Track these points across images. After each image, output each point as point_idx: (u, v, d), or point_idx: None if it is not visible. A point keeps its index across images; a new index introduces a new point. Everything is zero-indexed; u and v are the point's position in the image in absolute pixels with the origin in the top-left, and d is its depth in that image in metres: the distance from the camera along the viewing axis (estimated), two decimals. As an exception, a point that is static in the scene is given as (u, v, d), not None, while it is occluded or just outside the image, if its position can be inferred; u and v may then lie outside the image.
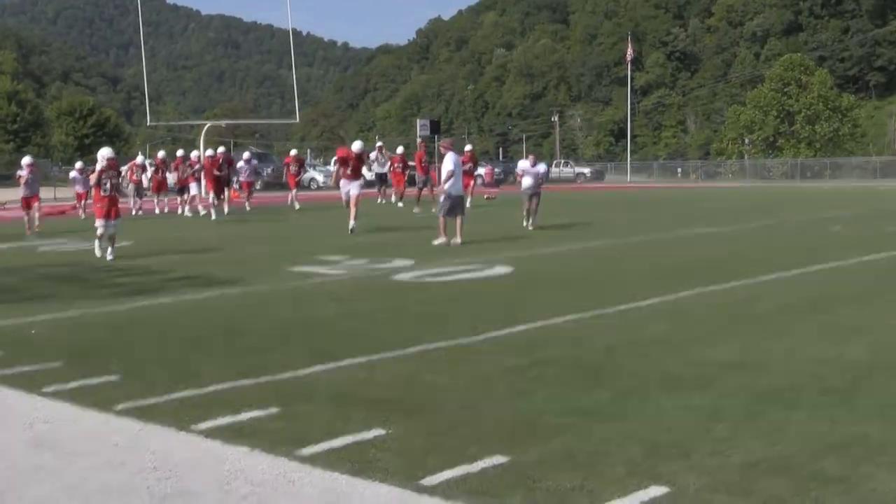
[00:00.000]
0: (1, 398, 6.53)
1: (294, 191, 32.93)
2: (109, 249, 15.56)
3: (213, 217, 25.92)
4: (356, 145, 20.92)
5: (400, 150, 34.23)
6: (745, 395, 6.11)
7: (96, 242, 16.02)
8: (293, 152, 37.00)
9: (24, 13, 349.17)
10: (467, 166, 25.00)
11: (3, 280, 13.67)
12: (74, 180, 28.71)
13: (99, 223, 15.79)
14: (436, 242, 16.99)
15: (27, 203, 22.83)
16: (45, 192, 30.74)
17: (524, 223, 20.47)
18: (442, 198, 17.58)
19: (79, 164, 30.23)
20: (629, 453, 4.96)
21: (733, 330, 8.43)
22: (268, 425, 5.64)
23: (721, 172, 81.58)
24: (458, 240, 16.97)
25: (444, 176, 17.40)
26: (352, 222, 19.58)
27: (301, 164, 36.00)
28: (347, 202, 20.03)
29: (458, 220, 17.29)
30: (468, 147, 30.17)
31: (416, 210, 27.39)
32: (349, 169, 20.21)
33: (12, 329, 9.27)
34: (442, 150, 18.85)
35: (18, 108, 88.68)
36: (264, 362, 7.40)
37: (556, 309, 9.68)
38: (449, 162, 17.36)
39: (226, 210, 28.00)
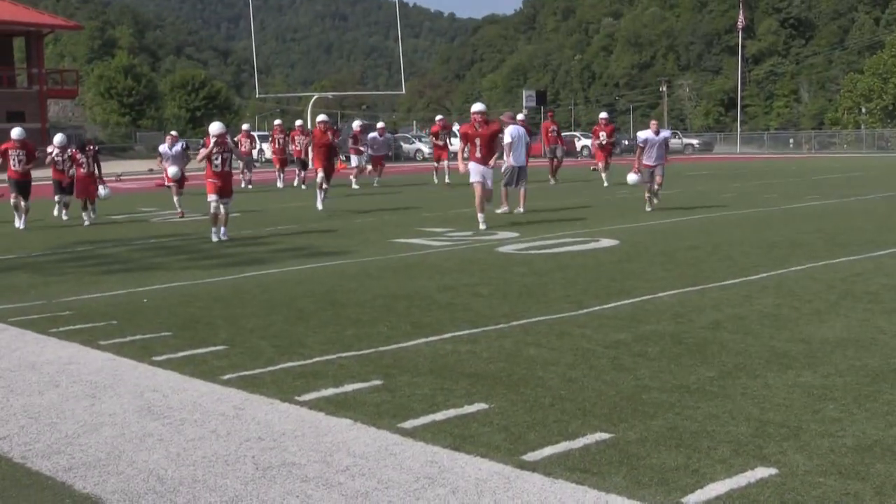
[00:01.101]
0: (114, 366, 6.71)
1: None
2: (223, 230, 14.56)
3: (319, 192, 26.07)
4: (477, 106, 16.24)
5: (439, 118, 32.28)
6: (856, 375, 5.92)
7: (212, 231, 14.66)
8: (298, 123, 31.83)
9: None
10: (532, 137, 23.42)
11: (117, 251, 14.06)
12: (164, 155, 20.72)
13: (211, 198, 14.48)
14: (498, 211, 17.67)
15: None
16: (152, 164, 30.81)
17: (647, 207, 17.80)
18: (504, 167, 17.97)
19: (171, 135, 22.01)
20: (735, 432, 4.85)
21: (844, 306, 8.17)
22: (370, 398, 5.68)
23: (836, 143, 79.22)
24: (521, 209, 17.91)
25: (504, 148, 17.46)
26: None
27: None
28: (487, 194, 15.77)
29: (522, 190, 18.07)
30: (520, 116, 26.70)
31: (551, 182, 27.49)
32: (480, 149, 15.70)
33: (126, 299, 9.54)
34: (505, 121, 19.23)
35: (134, 81, 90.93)
36: (367, 334, 7.46)
37: (661, 283, 9.54)
38: (507, 135, 17.68)
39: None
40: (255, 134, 40.81)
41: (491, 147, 15.63)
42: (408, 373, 6.23)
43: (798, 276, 9.83)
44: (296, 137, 28.22)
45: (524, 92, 72.38)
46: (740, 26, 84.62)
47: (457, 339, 7.19)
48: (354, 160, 29.13)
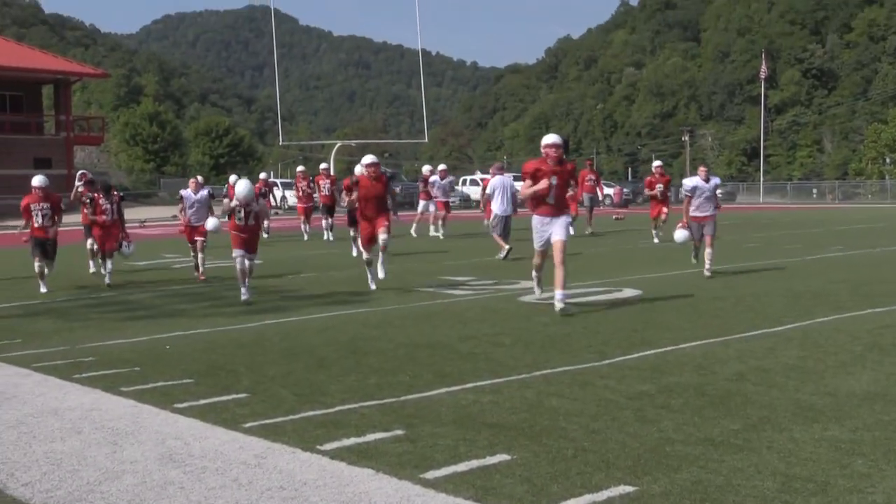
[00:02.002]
0: (135, 413, 6.71)
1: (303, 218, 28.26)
2: (244, 289, 13.09)
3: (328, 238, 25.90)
4: (552, 138, 11.84)
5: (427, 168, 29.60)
6: (885, 429, 5.84)
7: (239, 275, 13.22)
8: (300, 168, 30.59)
9: (167, 38, 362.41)
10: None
11: (140, 297, 14.12)
12: (187, 200, 17.08)
13: (237, 253, 13.17)
14: (499, 256, 18.60)
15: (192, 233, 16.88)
16: (175, 210, 29.97)
17: (693, 258, 15.86)
18: (491, 217, 19.53)
19: (195, 180, 18.00)
20: (761, 487, 4.79)
21: (871, 359, 8.09)
22: (392, 447, 5.65)
23: (860, 193, 79.00)
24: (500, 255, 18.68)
25: (491, 198, 19.42)
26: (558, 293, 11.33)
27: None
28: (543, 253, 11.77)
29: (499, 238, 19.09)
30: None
31: (587, 231, 26.38)
32: (554, 196, 11.48)
33: (148, 345, 9.56)
34: (492, 172, 20.79)
35: (159, 128, 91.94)
36: (389, 383, 7.44)
37: (684, 334, 9.48)
38: (490, 186, 19.41)
39: (330, 235, 26.23)
40: (273, 181, 40.56)
41: (564, 191, 11.73)
42: (430, 423, 6.20)
43: (823, 328, 9.75)
44: (321, 182, 26.94)
45: (546, 141, 72.66)
46: (762, 76, 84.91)
47: (479, 389, 7.16)
48: (422, 206, 27.78)
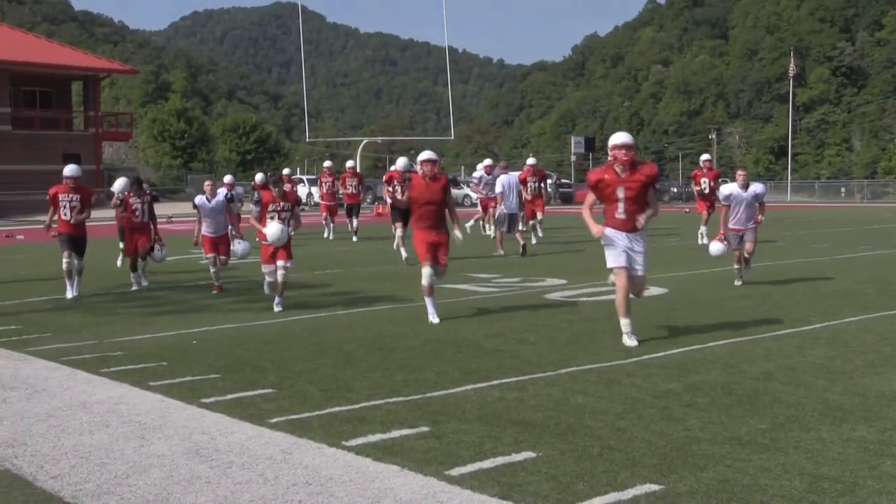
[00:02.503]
0: (162, 408, 6.75)
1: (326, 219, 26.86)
2: (278, 299, 11.77)
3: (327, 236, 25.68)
4: (621, 137, 9.26)
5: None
6: (914, 430, 5.80)
7: (265, 285, 12.17)
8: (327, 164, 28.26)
9: (194, 34, 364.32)
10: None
11: (167, 292, 14.19)
12: (202, 209, 14.41)
13: (267, 269, 11.84)
14: (495, 254, 19.06)
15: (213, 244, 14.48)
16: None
17: (735, 280, 13.71)
18: (497, 213, 19.75)
19: (209, 183, 15.22)
20: (788, 487, 4.76)
21: (901, 359, 8.03)
22: (418, 444, 5.66)
23: (889, 192, 78.37)
24: (520, 249, 19.11)
25: (497, 197, 19.74)
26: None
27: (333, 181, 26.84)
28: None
29: (517, 234, 19.56)
30: (531, 160, 23.07)
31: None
32: (625, 203, 9.09)
33: (175, 340, 9.62)
34: (498, 171, 22.07)
35: (186, 125, 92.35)
36: (415, 380, 7.45)
37: (710, 332, 9.44)
38: (499, 185, 19.65)
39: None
40: (296, 178, 39.65)
41: (641, 201, 9.02)
42: (455, 419, 6.21)
43: (852, 328, 9.68)
44: (346, 180, 25.90)
45: (573, 138, 72.48)
46: (791, 74, 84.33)
47: (504, 387, 7.16)
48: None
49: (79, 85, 60.41)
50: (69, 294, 13.36)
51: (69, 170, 13.72)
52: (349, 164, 27.51)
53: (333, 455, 5.49)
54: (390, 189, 20.17)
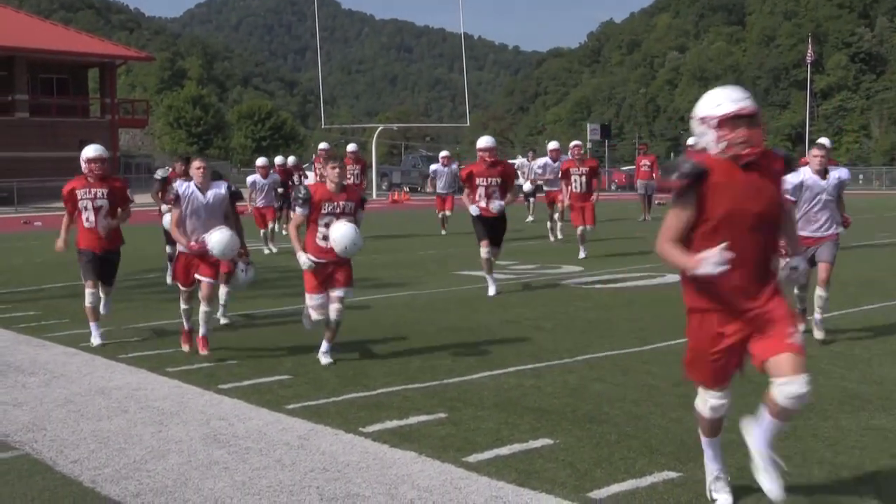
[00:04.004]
0: (180, 393, 6.78)
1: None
2: (326, 346, 7.84)
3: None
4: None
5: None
6: (933, 418, 5.77)
7: (304, 319, 8.19)
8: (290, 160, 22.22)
9: (210, 21, 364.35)
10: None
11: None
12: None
13: (313, 301, 7.93)
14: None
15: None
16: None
17: (797, 303, 8.57)
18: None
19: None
20: (808, 475, 4.75)
21: (920, 347, 7.99)
22: (435, 430, 5.66)
23: (907, 179, 77.82)
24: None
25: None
26: None
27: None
28: None
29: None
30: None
31: (647, 218, 24.98)
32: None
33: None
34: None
35: (202, 111, 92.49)
36: (432, 366, 7.46)
37: (729, 320, 9.38)
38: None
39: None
40: (305, 166, 34.26)
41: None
42: (472, 406, 6.21)
43: (871, 315, 9.64)
44: (347, 167, 20.22)
45: (588, 125, 72.19)
46: (809, 61, 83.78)
47: (521, 374, 7.16)
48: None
49: (95, 72, 60.50)
50: (95, 340, 8.83)
51: (92, 150, 9.02)
52: (350, 147, 21.99)
53: (351, 441, 5.50)
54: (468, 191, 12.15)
